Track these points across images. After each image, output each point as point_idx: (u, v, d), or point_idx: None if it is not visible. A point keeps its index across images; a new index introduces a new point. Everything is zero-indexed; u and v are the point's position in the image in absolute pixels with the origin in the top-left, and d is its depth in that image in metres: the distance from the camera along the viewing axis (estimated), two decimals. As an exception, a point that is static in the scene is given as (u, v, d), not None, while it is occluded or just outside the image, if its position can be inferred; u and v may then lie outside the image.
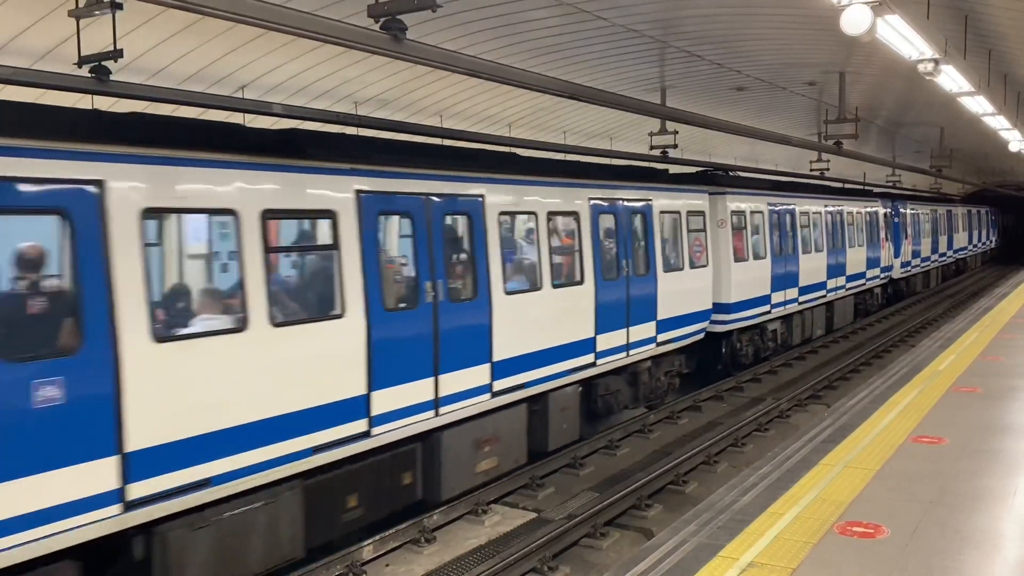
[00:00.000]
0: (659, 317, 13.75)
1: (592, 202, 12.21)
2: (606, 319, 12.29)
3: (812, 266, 21.14)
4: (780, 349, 20.10)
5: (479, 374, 9.92)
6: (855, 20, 8.05)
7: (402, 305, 9.08)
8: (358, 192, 8.43)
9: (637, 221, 13.42)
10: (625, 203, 13.10)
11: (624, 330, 12.81)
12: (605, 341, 12.34)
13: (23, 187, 5.94)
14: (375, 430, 8.53)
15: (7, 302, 6.07)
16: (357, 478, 8.53)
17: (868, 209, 26.70)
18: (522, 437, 10.92)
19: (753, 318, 17.96)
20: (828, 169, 26.75)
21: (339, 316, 8.16)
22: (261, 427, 7.36)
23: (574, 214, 11.84)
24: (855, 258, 24.66)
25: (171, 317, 6.98)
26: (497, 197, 10.36)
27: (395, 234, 9.34)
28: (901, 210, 30.96)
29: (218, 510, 7.13)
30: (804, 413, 15.19)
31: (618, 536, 9.69)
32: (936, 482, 7.65)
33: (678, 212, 14.74)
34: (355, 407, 8.29)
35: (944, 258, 39.83)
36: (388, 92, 16.23)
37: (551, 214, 11.38)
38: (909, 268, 32.24)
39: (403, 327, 8.89)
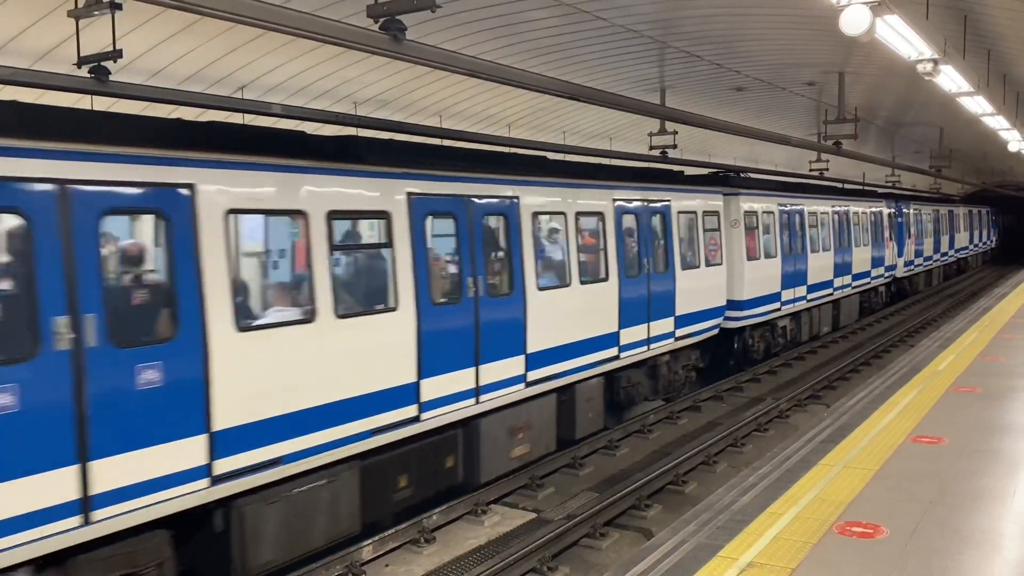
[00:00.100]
0: (677, 313, 14.35)
1: (616, 203, 12.78)
2: (629, 314, 12.86)
3: (820, 265, 21.63)
4: (789, 345, 20.59)
5: (514, 365, 10.51)
6: (854, 20, 8.05)
7: (447, 299, 9.61)
8: (409, 194, 9.07)
9: (657, 221, 13.97)
10: (646, 204, 13.66)
11: (645, 325, 13.38)
12: (628, 335, 12.91)
13: (127, 190, 6.58)
14: (424, 415, 9.17)
15: (114, 294, 6.63)
16: (407, 460, 9.15)
17: (873, 209, 27.11)
18: (552, 425, 11.49)
19: (764, 315, 18.42)
20: (827, 169, 26.77)
21: (393, 309, 8.81)
22: (326, 410, 7.97)
23: (599, 214, 12.40)
24: (860, 257, 25.13)
25: (250, 308, 7.63)
26: (530, 198, 10.95)
27: (440, 233, 9.82)
28: (904, 210, 31.34)
29: (287, 487, 7.70)
30: (803, 413, 15.19)
31: (618, 536, 9.68)
32: (935, 482, 7.64)
33: (694, 212, 15.27)
34: (407, 393, 8.93)
35: (946, 257, 40.29)
36: (388, 92, 16.24)
37: (579, 214, 11.91)
38: (912, 267, 32.68)
39: (448, 320, 9.49)
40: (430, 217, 9.40)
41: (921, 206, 34.70)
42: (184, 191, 6.89)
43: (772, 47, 16.67)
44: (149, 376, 6.53)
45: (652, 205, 13.83)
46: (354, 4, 9.43)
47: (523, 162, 12.02)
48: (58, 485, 6.04)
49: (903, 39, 9.87)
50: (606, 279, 12.42)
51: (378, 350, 8.59)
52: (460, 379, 9.65)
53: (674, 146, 19.63)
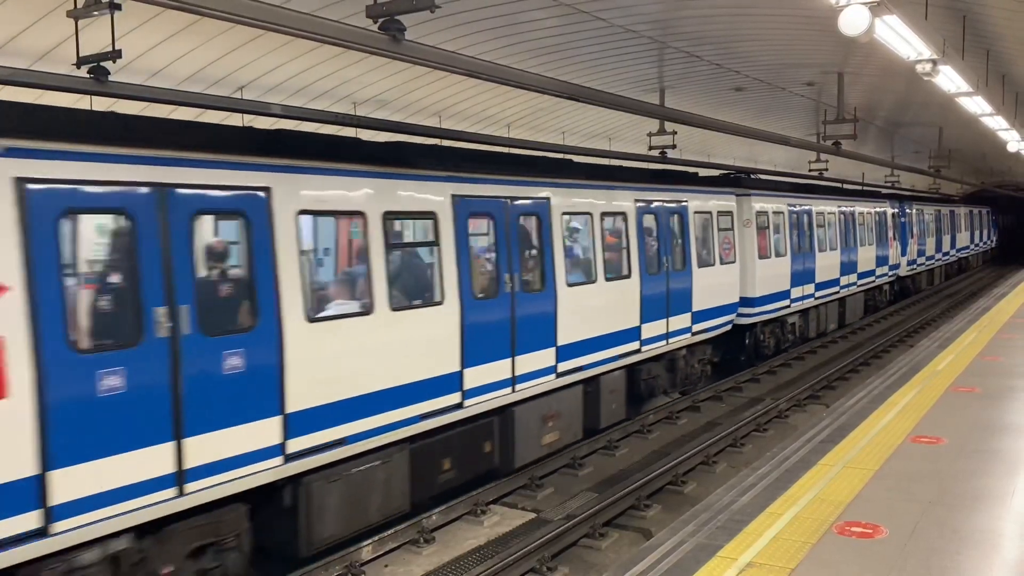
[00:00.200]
0: (694, 309, 14.96)
1: (637, 203, 13.40)
2: (649, 310, 13.47)
3: (827, 264, 22.13)
4: (798, 341, 21.14)
5: (546, 357, 11.13)
6: (853, 21, 8.05)
7: (487, 294, 10.22)
8: (453, 196, 9.69)
9: (675, 221, 14.57)
10: (665, 204, 14.26)
11: (664, 320, 14.00)
12: (648, 330, 13.53)
13: (214, 193, 7.20)
14: (467, 402, 9.80)
15: (204, 287, 7.17)
16: (450, 444, 9.77)
17: (877, 210, 27.56)
18: (579, 415, 12.09)
19: (775, 311, 19.00)
20: (827, 169, 26.81)
21: (439, 303, 9.44)
22: (381, 396, 8.61)
23: (622, 214, 13.01)
24: (865, 256, 25.63)
25: (318, 301, 8.21)
26: (560, 199, 11.53)
27: (480, 232, 10.39)
28: (907, 211, 31.75)
29: (347, 466, 8.32)
30: (803, 413, 15.19)
31: (617, 536, 9.68)
32: (935, 482, 7.65)
33: (710, 212, 15.88)
34: (452, 382, 9.57)
35: (947, 257, 40.74)
36: (387, 92, 16.24)
37: (604, 214, 12.53)
38: (915, 266, 33.14)
39: (488, 313, 10.12)
40: (471, 217, 9.99)
41: (923, 206, 35.07)
42: (261, 194, 7.52)
43: (771, 47, 16.68)
44: (233, 362, 7.16)
45: (670, 205, 14.42)
46: (353, 4, 9.44)
47: (553, 165, 12.66)
48: (158, 460, 6.65)
49: (902, 39, 9.87)
50: (629, 276, 13.01)
51: (426, 341, 9.22)
52: (498, 369, 10.27)
53: (673, 146, 19.64)
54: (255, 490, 7.46)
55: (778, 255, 19.09)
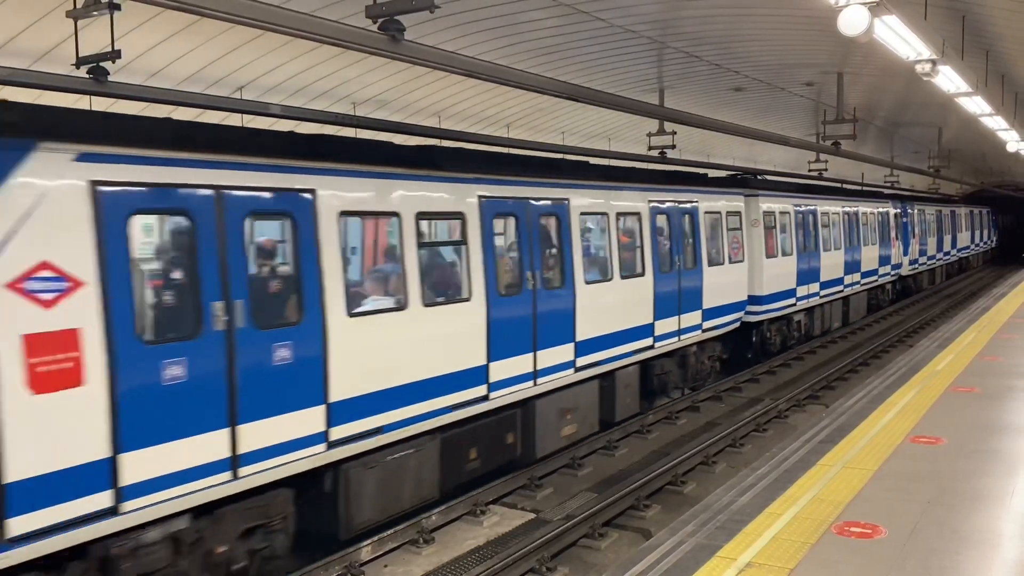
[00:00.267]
0: (704, 306, 15.37)
1: (651, 204, 13.80)
2: (662, 307, 13.89)
3: (832, 263, 22.58)
4: (803, 339, 21.58)
5: (565, 352, 11.52)
6: (852, 21, 8.05)
7: (510, 291, 10.61)
8: (480, 197, 10.12)
9: (686, 221, 14.99)
10: (676, 205, 14.66)
11: (676, 317, 14.41)
12: (661, 327, 13.95)
13: (265, 195, 7.66)
14: (492, 394, 10.22)
15: (256, 283, 7.65)
16: (477, 435, 10.19)
17: (880, 210, 27.92)
18: (595, 408, 12.52)
19: (782, 309, 19.45)
20: (826, 169, 26.82)
21: (467, 299, 9.86)
22: (415, 388, 9.04)
23: (637, 214, 13.41)
24: (869, 256, 26.04)
25: (357, 297, 8.63)
26: (579, 200, 11.96)
27: (504, 231, 10.82)
28: (909, 211, 32.08)
29: (383, 454, 8.75)
30: (802, 413, 15.19)
31: (616, 536, 9.68)
32: (934, 482, 7.65)
33: (719, 212, 16.26)
34: (478, 375, 9.98)
35: (948, 256, 41.09)
36: (386, 93, 16.24)
37: (619, 214, 12.96)
38: (917, 266, 33.55)
39: (511, 309, 10.54)
40: (496, 217, 10.44)
41: (925, 207, 35.42)
42: (307, 196, 7.95)
43: (771, 47, 16.68)
44: (282, 354, 7.59)
45: (682, 206, 14.81)
46: (353, 4, 9.44)
47: (572, 167, 13.09)
48: (214, 445, 7.06)
49: (901, 39, 9.87)
50: (642, 274, 13.41)
51: (455, 335, 9.66)
52: (521, 363, 10.69)
53: (672, 146, 19.64)
54: (298, 475, 7.86)
55: (784, 254, 19.43)
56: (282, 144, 8.37)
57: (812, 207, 21.39)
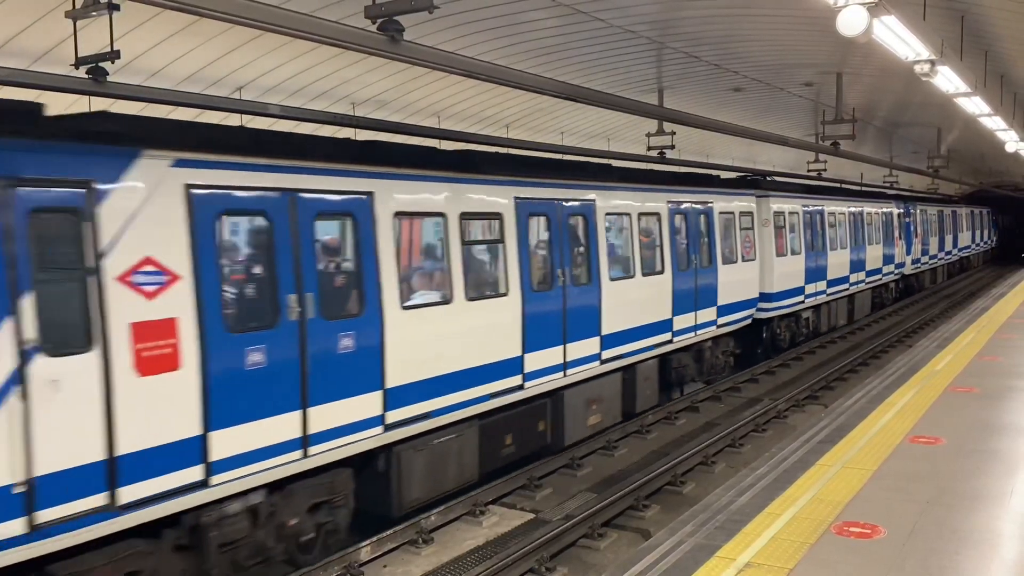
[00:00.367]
0: (719, 303, 16.05)
1: (670, 205, 14.47)
2: (680, 303, 14.58)
3: (838, 262, 23.19)
4: (811, 335, 22.23)
5: (592, 345, 12.17)
6: (851, 21, 8.04)
7: (542, 287, 11.25)
8: (515, 198, 10.78)
9: (702, 221, 15.67)
10: (693, 205, 15.34)
11: (693, 313, 15.08)
12: (679, 322, 14.64)
13: (331, 197, 8.32)
14: (527, 384, 10.91)
15: (323, 278, 8.33)
16: (512, 422, 10.85)
17: (884, 210, 28.42)
18: (618, 399, 13.21)
19: (791, 307, 20.14)
20: (825, 170, 26.83)
21: (504, 294, 10.53)
22: (458, 376, 9.72)
23: (656, 215, 14.07)
24: (873, 255, 26.68)
25: (408, 291, 9.24)
26: (604, 201, 12.60)
27: (537, 231, 11.38)
28: (912, 211, 32.49)
29: (429, 438, 9.43)
30: (801, 413, 15.19)
31: (616, 537, 9.68)
32: (933, 482, 7.65)
33: (732, 213, 16.96)
34: (514, 365, 10.65)
35: (950, 256, 41.59)
36: (386, 93, 16.24)
37: (640, 214, 13.60)
38: (919, 265, 34.14)
39: (544, 304, 11.17)
40: (530, 217, 11.07)
41: (927, 207, 35.88)
42: (366, 197, 8.63)
43: (770, 48, 16.68)
44: (346, 343, 8.27)
45: (698, 206, 15.50)
46: (352, 5, 9.45)
47: (598, 169, 13.74)
48: (288, 426, 7.71)
49: (900, 40, 9.86)
50: (662, 272, 14.11)
51: (494, 328, 10.33)
52: (552, 355, 11.35)
53: (672, 146, 19.64)
54: (356, 456, 8.55)
55: (793, 253, 20.03)
56: (342, 150, 9.06)
57: (819, 207, 21.93)
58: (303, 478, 8.06)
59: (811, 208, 21.33)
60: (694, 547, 6.35)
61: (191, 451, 6.94)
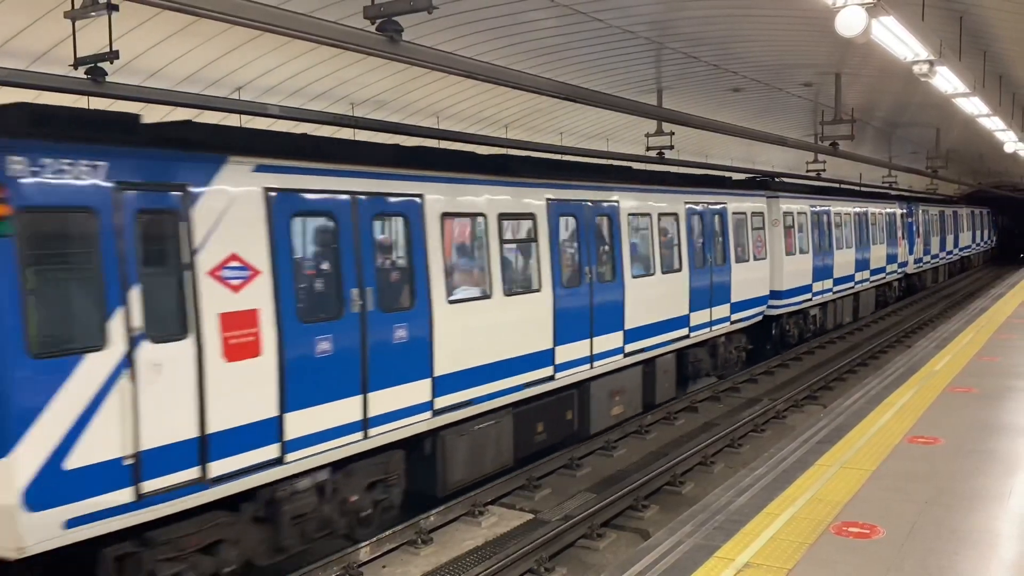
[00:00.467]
0: (732, 300, 16.72)
1: (687, 206, 15.10)
2: (696, 300, 15.21)
3: (844, 260, 23.82)
4: (818, 332, 22.85)
5: (616, 339, 12.80)
6: (850, 22, 8.05)
7: (571, 283, 11.83)
8: (547, 200, 11.42)
9: (716, 221, 16.25)
10: (708, 206, 15.95)
11: (708, 310, 15.73)
12: (696, 318, 15.29)
13: (387, 199, 9.00)
14: (557, 375, 11.55)
15: (381, 273, 8.93)
16: (543, 411, 11.49)
17: (887, 210, 28.97)
18: (639, 391, 13.84)
19: (799, 304, 20.76)
20: (824, 170, 26.84)
21: (538, 290, 11.17)
22: (496, 367, 10.35)
23: (674, 215, 14.69)
24: (877, 254, 27.35)
25: (454, 286, 9.84)
26: (627, 202, 13.25)
27: (566, 230, 11.95)
28: (914, 211, 32.94)
29: (470, 424, 10.09)
30: (800, 414, 15.20)
31: (615, 537, 9.69)
32: (932, 482, 7.65)
33: (745, 213, 17.56)
34: (546, 357, 11.28)
35: (951, 255, 42.10)
36: (385, 93, 16.24)
37: (660, 215, 14.21)
38: (921, 264, 34.71)
39: (573, 300, 11.81)
40: (560, 217, 11.67)
41: (929, 207, 36.32)
42: (417, 199, 9.30)
43: (769, 48, 16.69)
44: (400, 333, 8.93)
45: (713, 207, 16.11)
46: (351, 5, 9.44)
47: (620, 172, 14.63)
48: (351, 409, 8.39)
49: (899, 40, 9.87)
50: (680, 270, 14.75)
51: (528, 322, 10.97)
52: (580, 348, 11.96)
53: (671, 147, 19.64)
54: (407, 439, 9.19)
55: (802, 252, 20.58)
56: (395, 156, 9.67)
57: (826, 208, 22.50)
58: (362, 458, 8.73)
59: (818, 208, 21.88)
60: (693, 547, 6.35)
61: (269, 431, 7.58)
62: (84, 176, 6.41)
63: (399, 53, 8.10)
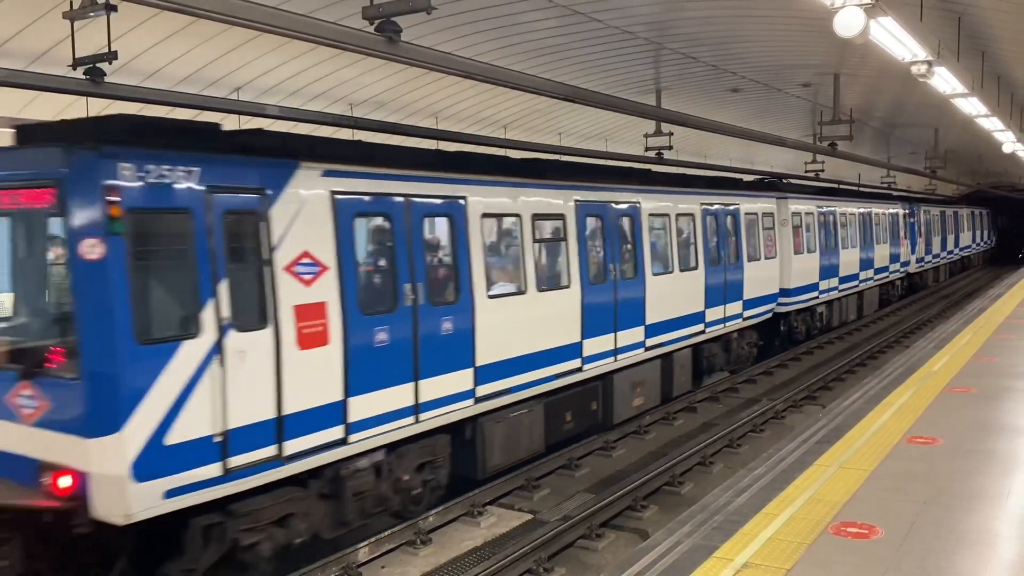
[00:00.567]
0: (744, 297, 17.23)
1: (702, 206, 15.59)
2: (711, 297, 15.72)
3: (849, 260, 24.23)
4: (824, 329, 23.34)
5: (637, 333, 13.35)
6: (848, 22, 8.06)
7: (597, 280, 12.37)
8: (576, 201, 11.98)
9: (729, 221, 16.75)
10: (722, 207, 16.44)
11: (722, 306, 16.24)
12: (711, 314, 15.78)
13: (434, 201, 9.62)
14: (585, 367, 12.08)
15: (429, 270, 9.53)
16: (571, 401, 12.06)
17: (890, 211, 29.33)
18: (658, 384, 14.41)
19: (807, 301, 21.24)
20: (823, 170, 26.87)
21: (567, 287, 11.70)
22: (530, 359, 10.91)
23: (691, 215, 15.21)
24: (881, 254, 27.74)
25: (493, 282, 10.42)
26: (648, 203, 13.81)
27: (593, 230, 12.50)
28: (916, 212, 33.28)
29: (506, 412, 10.65)
30: (799, 414, 15.19)
31: (614, 537, 9.68)
32: (930, 482, 7.66)
33: (756, 213, 18.05)
34: (575, 350, 11.84)
35: (951, 255, 42.48)
36: (384, 94, 16.25)
37: (678, 215, 14.75)
38: (923, 264, 35.16)
39: (598, 296, 12.31)
40: (587, 218, 12.20)
41: (931, 208, 36.69)
42: (461, 201, 9.91)
43: (768, 49, 16.71)
44: (447, 326, 9.52)
45: (726, 208, 16.58)
46: (349, 6, 9.45)
47: (641, 174, 15.12)
48: (404, 395, 8.99)
49: (897, 41, 9.88)
50: (696, 268, 15.24)
51: (559, 316, 11.50)
52: (605, 342, 12.48)
53: (670, 147, 19.66)
54: (451, 424, 9.81)
55: (809, 251, 21.04)
56: (441, 160, 10.36)
57: (832, 208, 22.93)
58: (412, 441, 9.34)
59: (825, 209, 22.34)
60: (692, 547, 6.35)
61: (335, 414, 8.20)
62: (181, 180, 7.03)
63: (398, 53, 8.11)
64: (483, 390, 10.11)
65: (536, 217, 11.18)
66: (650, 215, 13.78)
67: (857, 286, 25.29)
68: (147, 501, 6.73)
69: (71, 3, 9.37)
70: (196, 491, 7.06)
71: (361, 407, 8.47)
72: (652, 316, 13.65)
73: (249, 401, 7.38)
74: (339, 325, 8.21)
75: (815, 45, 15.65)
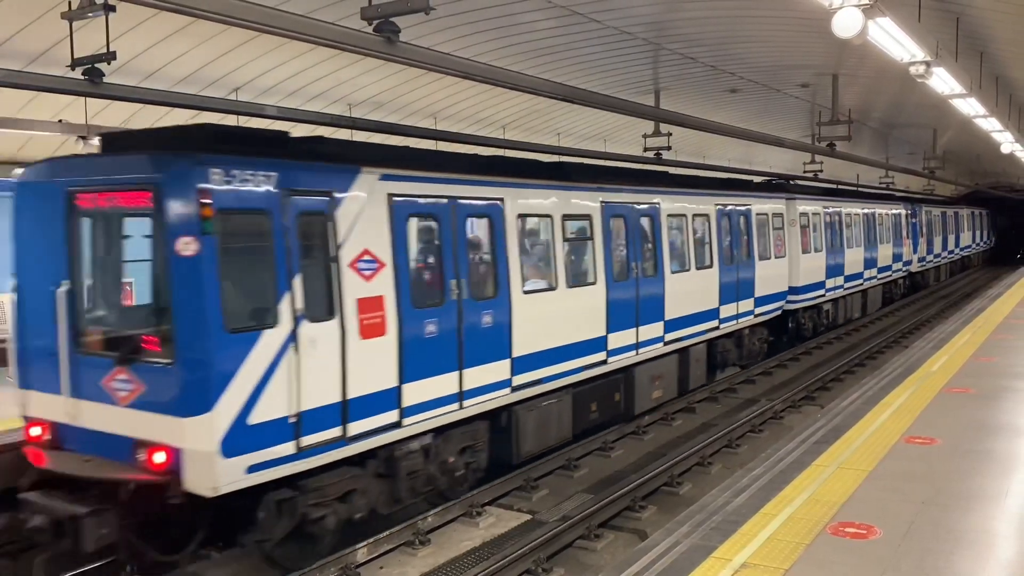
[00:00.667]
0: (756, 295, 17.84)
1: (717, 207, 16.27)
2: (725, 294, 16.37)
3: (853, 259, 24.84)
4: (831, 326, 23.93)
5: (657, 328, 13.97)
6: (846, 23, 8.06)
7: (620, 277, 13.00)
8: (601, 203, 12.59)
9: (742, 221, 17.40)
10: (735, 207, 17.09)
11: (735, 303, 16.86)
12: (724, 311, 16.42)
13: (475, 202, 10.23)
14: (610, 359, 12.74)
15: (472, 267, 10.16)
16: (596, 392, 12.66)
17: (893, 211, 29.80)
18: (675, 378, 15.05)
19: (814, 299, 21.84)
20: (821, 171, 26.89)
21: (593, 283, 12.32)
22: (560, 351, 11.52)
23: (706, 216, 15.85)
24: (884, 253, 28.36)
25: (527, 278, 11.00)
26: (667, 204, 14.43)
27: (617, 229, 13.07)
28: (918, 212, 33.67)
29: (538, 401, 11.28)
30: (798, 414, 15.20)
31: (612, 537, 9.68)
32: (929, 482, 7.67)
33: (766, 214, 18.68)
34: (600, 343, 12.45)
35: (952, 255, 42.92)
36: (382, 94, 16.25)
37: (694, 215, 15.39)
38: (924, 263, 35.62)
39: (622, 292, 12.96)
40: (612, 218, 12.80)
41: (932, 208, 37.08)
42: (499, 203, 10.54)
43: (766, 49, 16.72)
44: (486, 319, 10.17)
45: (739, 208, 17.23)
46: (348, 6, 9.45)
47: (660, 176, 15.63)
48: (450, 383, 9.66)
49: (895, 41, 9.89)
50: (711, 266, 15.88)
51: (587, 311, 12.13)
52: (628, 336, 13.12)
53: (668, 147, 19.66)
54: (489, 412, 10.43)
55: (816, 251, 21.64)
56: (482, 164, 11.06)
57: (838, 209, 23.49)
58: (456, 427, 9.96)
59: (831, 209, 22.91)
60: (690, 548, 6.36)
61: (391, 399, 8.85)
62: (261, 184, 7.66)
63: (396, 54, 8.11)
64: (519, 380, 10.75)
65: (566, 217, 11.78)
66: (669, 215, 14.35)
67: (862, 284, 25.83)
68: (232, 475, 7.33)
69: (70, 3, 9.37)
70: (273, 467, 7.67)
71: (413, 393, 9.12)
72: (670, 312, 14.27)
73: (319, 386, 8.02)
74: (395, 317, 8.86)
75: (814, 46, 15.67)
